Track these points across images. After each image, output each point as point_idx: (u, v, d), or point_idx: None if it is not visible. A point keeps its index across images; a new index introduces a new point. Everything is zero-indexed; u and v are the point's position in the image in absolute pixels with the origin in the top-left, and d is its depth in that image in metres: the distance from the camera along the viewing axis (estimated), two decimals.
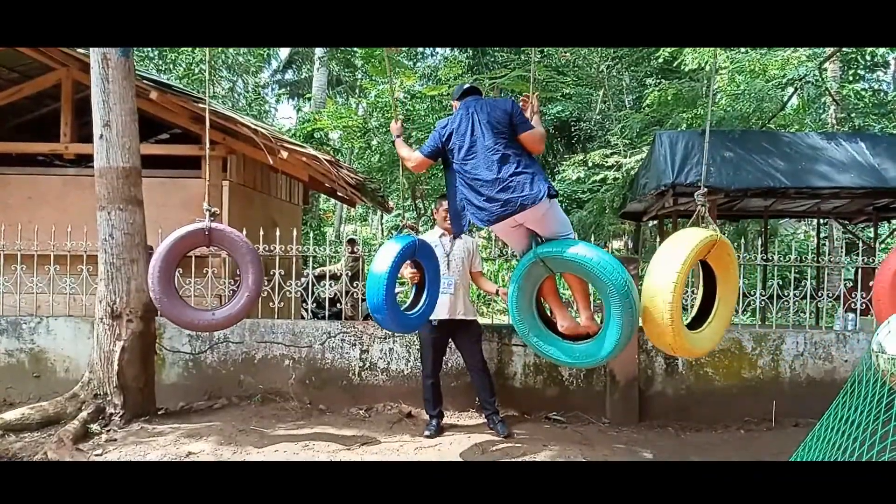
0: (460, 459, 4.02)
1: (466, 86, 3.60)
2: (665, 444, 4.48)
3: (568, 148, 14.78)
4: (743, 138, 6.47)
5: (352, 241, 8.22)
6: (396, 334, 5.20)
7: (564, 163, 11.81)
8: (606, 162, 10.36)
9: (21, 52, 5.80)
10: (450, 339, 4.64)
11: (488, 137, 3.21)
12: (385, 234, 18.87)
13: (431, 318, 4.30)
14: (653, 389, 5.05)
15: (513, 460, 3.97)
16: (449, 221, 4.24)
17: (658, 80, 11.00)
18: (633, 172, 9.25)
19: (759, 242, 10.35)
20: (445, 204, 4.50)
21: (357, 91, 19.13)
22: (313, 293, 5.71)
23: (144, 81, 5.34)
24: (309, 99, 18.21)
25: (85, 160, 6.43)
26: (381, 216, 20.32)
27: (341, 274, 6.79)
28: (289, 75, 23.26)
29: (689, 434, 4.77)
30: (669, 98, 9.00)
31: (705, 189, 3.27)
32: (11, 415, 4.44)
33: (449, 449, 4.21)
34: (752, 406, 5.00)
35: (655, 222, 8.88)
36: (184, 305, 4.00)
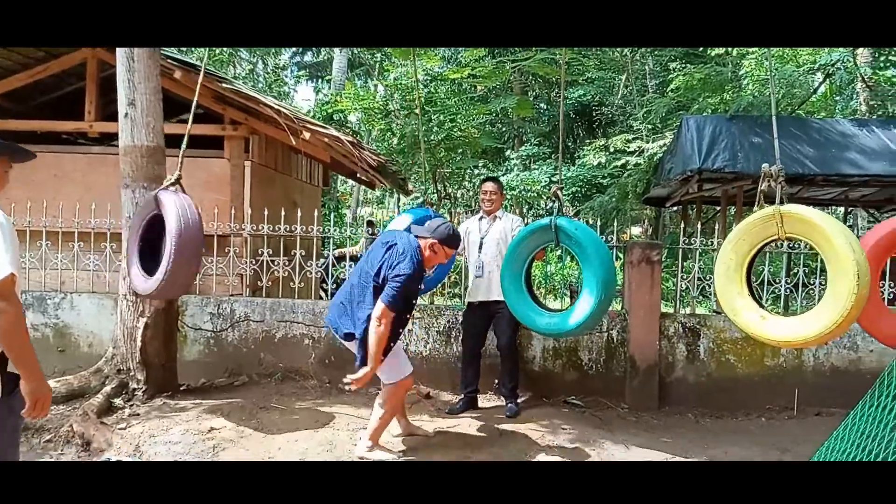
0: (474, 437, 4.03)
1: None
2: (684, 431, 4.46)
3: (589, 132, 14.64)
4: (771, 124, 6.33)
5: (371, 223, 8.23)
6: (416, 315, 5.21)
7: (585, 147, 11.69)
8: (628, 147, 10.23)
9: None
10: (489, 321, 4.62)
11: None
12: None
13: (469, 298, 4.63)
14: (673, 376, 5.01)
15: (511, 461, 3.90)
16: (487, 203, 4.41)
17: (683, 65, 10.80)
18: (655, 158, 9.12)
19: None
20: (486, 185, 4.72)
21: (376, 72, 19.06)
22: (333, 274, 5.73)
23: (169, 60, 5.35)
24: (328, 81, 18.18)
25: (109, 139, 6.48)
26: (399, 198, 20.30)
27: (360, 255, 6.79)
28: (308, 57, 23.23)
29: (709, 421, 4.74)
30: (696, 83, 8.83)
31: (780, 166, 3.07)
32: None
33: (466, 431, 4.22)
34: (774, 394, 4.94)
35: (679, 208, 8.77)
36: (137, 270, 4.09)
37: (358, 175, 7.08)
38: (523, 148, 13.42)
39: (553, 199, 4.03)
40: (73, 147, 6.45)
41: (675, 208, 9.17)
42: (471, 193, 12.99)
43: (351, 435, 4.08)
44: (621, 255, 5.68)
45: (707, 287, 5.28)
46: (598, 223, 5.42)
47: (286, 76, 20.19)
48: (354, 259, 7.23)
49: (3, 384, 2.10)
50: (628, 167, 10.15)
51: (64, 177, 5.96)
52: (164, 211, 3.91)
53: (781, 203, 2.99)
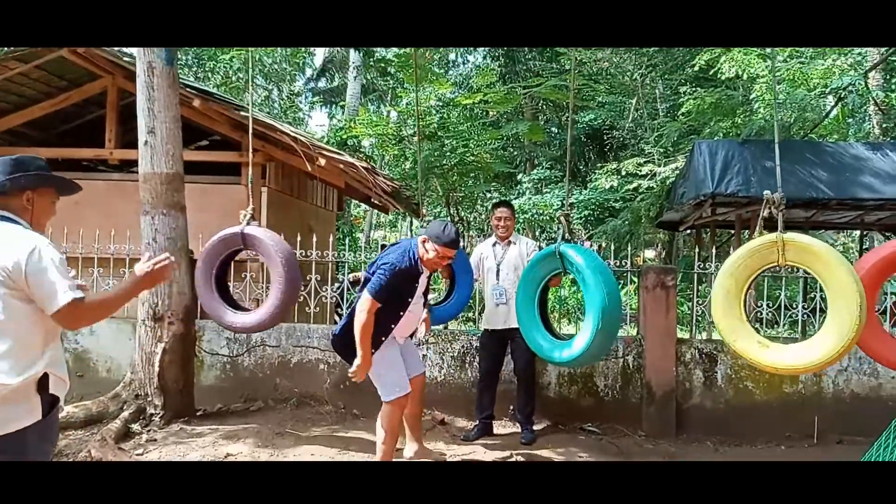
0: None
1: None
2: (703, 459, 4.40)
3: (600, 156, 14.69)
4: (784, 148, 6.30)
5: (384, 247, 8.27)
6: (430, 341, 5.21)
7: (597, 171, 11.73)
8: (640, 171, 10.25)
9: (69, 61, 6.00)
10: (507, 347, 4.61)
11: None
12: None
13: (487, 326, 4.63)
14: (690, 402, 4.96)
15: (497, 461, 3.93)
16: (501, 229, 4.43)
17: (693, 89, 10.86)
18: (668, 182, 9.14)
19: None
20: (499, 211, 4.68)
21: (389, 98, 19.33)
22: (348, 299, 5.76)
23: (187, 89, 5.47)
24: (342, 106, 18.43)
25: (128, 166, 6.61)
26: (411, 222, 20.40)
27: None
28: (322, 83, 23.59)
29: (727, 449, 4.67)
30: (707, 107, 8.87)
31: (782, 194, 3.11)
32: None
33: (482, 458, 4.19)
34: (794, 422, 4.86)
35: (692, 232, 8.76)
36: (222, 306, 4.11)
37: (372, 199, 7.15)
38: (535, 171, 13.49)
39: (560, 224, 3.98)
40: (93, 174, 6.58)
41: (688, 232, 9.15)
42: (483, 217, 13.03)
43: (367, 459, 4.07)
44: (636, 280, 5.67)
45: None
46: (612, 247, 5.42)
47: (300, 102, 20.48)
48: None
49: (42, 405, 2.11)
50: (640, 191, 10.17)
51: (84, 203, 6.02)
52: (261, 247, 4.03)
53: (783, 230, 3.02)
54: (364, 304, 3.35)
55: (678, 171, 8.59)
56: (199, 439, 4.32)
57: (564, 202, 4.58)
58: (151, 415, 4.54)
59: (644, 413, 4.90)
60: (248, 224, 4.11)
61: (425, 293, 3.83)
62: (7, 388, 2.04)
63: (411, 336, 3.91)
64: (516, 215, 11.55)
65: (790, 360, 3.01)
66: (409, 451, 3.99)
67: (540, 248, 4.41)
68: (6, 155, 2.28)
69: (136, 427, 4.45)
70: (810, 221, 8.15)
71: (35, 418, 2.09)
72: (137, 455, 4.10)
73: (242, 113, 5.50)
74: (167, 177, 4.67)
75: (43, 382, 2.11)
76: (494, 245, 4.66)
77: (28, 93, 6.21)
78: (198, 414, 4.86)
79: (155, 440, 4.34)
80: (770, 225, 3.09)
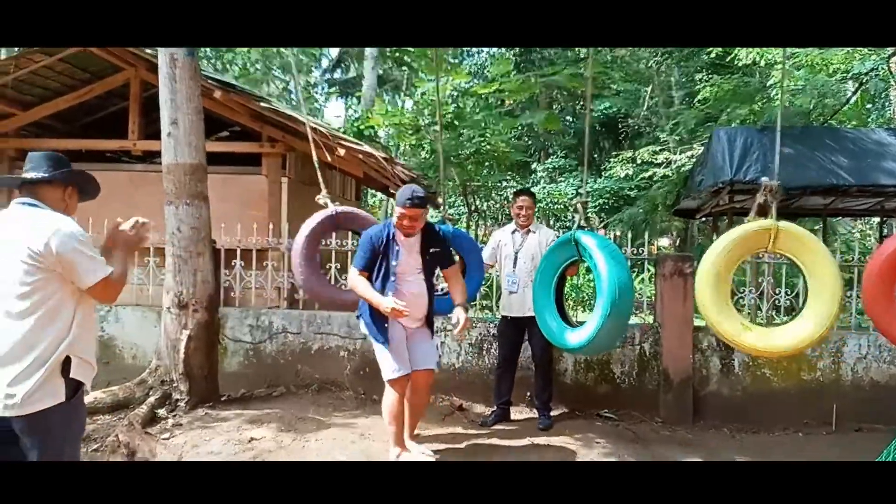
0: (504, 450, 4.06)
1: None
2: (720, 446, 4.42)
3: (615, 145, 14.62)
4: (804, 134, 6.31)
5: None
6: (448, 328, 5.27)
7: (612, 159, 11.69)
8: (656, 159, 10.20)
9: (92, 53, 6.09)
10: (524, 334, 4.65)
11: None
12: None
13: (503, 312, 4.68)
14: (707, 389, 4.98)
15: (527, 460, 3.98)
16: (522, 218, 4.43)
17: (709, 76, 10.76)
18: (683, 169, 9.09)
19: None
20: (520, 200, 4.69)
21: (404, 88, 19.32)
22: None
23: (209, 81, 5.54)
24: (358, 97, 18.47)
25: (151, 157, 6.70)
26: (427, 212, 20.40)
27: None
28: (337, 74, 23.62)
29: (744, 436, 4.69)
30: (724, 93, 8.79)
31: (776, 181, 3.26)
32: (85, 398, 4.68)
33: (499, 443, 4.25)
34: (812, 409, 4.87)
35: (709, 220, 8.72)
36: (330, 287, 4.44)
37: (390, 189, 7.20)
38: (549, 160, 13.48)
39: (576, 212, 4.05)
40: (117, 165, 6.69)
41: (704, 220, 9.11)
42: (497, 206, 13.04)
43: (386, 446, 4.15)
44: (651, 268, 5.68)
45: (741, 300, 5.26)
46: (630, 235, 5.44)
47: (316, 93, 20.55)
48: None
49: (66, 389, 2.18)
50: (655, 179, 10.12)
51: (108, 194, 6.09)
52: (356, 221, 4.42)
53: (776, 218, 3.16)
54: (350, 275, 3.67)
55: (695, 159, 8.54)
56: (224, 424, 4.42)
57: (581, 190, 4.58)
58: (177, 400, 4.65)
59: (661, 400, 4.94)
60: (331, 204, 4.32)
61: (427, 274, 3.71)
62: (33, 369, 2.12)
63: (429, 329, 3.82)
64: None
65: (769, 344, 3.20)
66: (392, 453, 3.81)
67: (558, 237, 4.43)
68: (33, 147, 2.39)
69: (162, 412, 4.56)
70: (829, 209, 8.08)
71: (58, 400, 2.16)
72: (164, 439, 4.20)
73: (262, 104, 5.57)
74: (190, 167, 4.75)
75: (66, 365, 2.18)
76: (514, 233, 4.68)
77: (52, 85, 6.32)
78: (222, 399, 4.96)
79: (180, 425, 4.44)
80: (763, 212, 3.21)
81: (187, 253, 4.75)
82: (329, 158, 5.56)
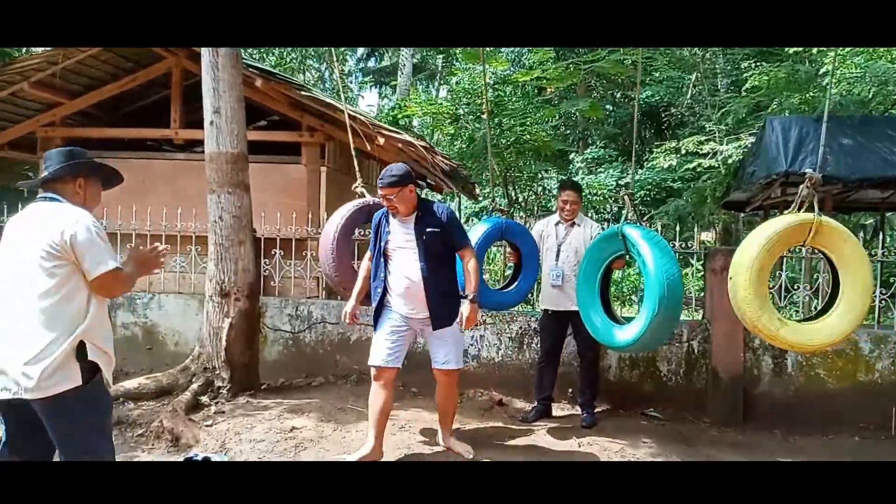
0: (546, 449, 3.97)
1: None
2: (772, 449, 4.26)
3: (657, 135, 14.25)
4: (863, 124, 6.00)
5: None
6: (487, 322, 5.19)
7: (654, 150, 11.37)
8: (701, 149, 9.88)
9: None
10: (566, 329, 4.53)
11: None
12: (464, 220, 18.89)
13: (544, 306, 4.55)
14: (759, 389, 4.80)
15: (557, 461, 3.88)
16: (566, 212, 4.30)
17: (757, 63, 10.34)
18: (730, 161, 8.79)
19: (873, 236, 9.62)
20: (565, 193, 4.52)
21: (439, 77, 19.20)
22: None
23: (250, 69, 5.52)
24: (393, 86, 18.42)
25: (192, 145, 6.75)
26: (460, 202, 20.34)
27: None
28: (371, 63, 23.61)
29: (797, 439, 4.51)
30: (776, 81, 8.43)
31: (819, 175, 3.21)
32: (130, 384, 4.75)
33: (542, 440, 4.16)
34: (869, 412, 4.65)
35: (759, 213, 8.41)
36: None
37: (427, 179, 7.12)
38: (588, 151, 13.21)
39: (623, 204, 3.95)
40: (159, 154, 6.75)
41: (754, 213, 8.79)
42: (533, 197, 12.84)
43: (426, 437, 4.10)
44: (692, 262, 5.48)
45: (795, 297, 5.05)
46: (677, 228, 5.27)
47: (350, 82, 20.59)
48: None
49: (82, 372, 2.25)
50: (699, 170, 9.81)
51: (151, 182, 6.24)
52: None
53: (819, 212, 3.10)
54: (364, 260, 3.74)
55: (745, 150, 8.23)
56: (265, 412, 4.43)
57: (630, 181, 4.44)
58: (219, 387, 4.68)
59: (709, 399, 4.77)
60: (367, 194, 4.24)
61: (428, 256, 3.45)
62: (49, 351, 2.19)
63: (447, 321, 3.54)
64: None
65: (803, 339, 3.15)
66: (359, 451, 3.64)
67: (603, 230, 4.29)
68: (79, 136, 2.48)
69: (204, 399, 4.59)
70: (887, 202, 7.71)
71: (74, 383, 2.22)
72: (206, 426, 4.23)
73: (303, 92, 5.54)
74: (232, 156, 4.75)
75: (81, 350, 2.25)
76: (557, 224, 4.54)
77: (97, 74, 6.38)
78: (262, 388, 4.98)
79: (223, 412, 4.47)
80: (805, 205, 3.15)
81: (229, 241, 4.76)
82: (368, 148, 5.50)
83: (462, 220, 18.55)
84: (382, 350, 3.54)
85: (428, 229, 3.43)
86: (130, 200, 5.97)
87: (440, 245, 3.45)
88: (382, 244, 3.53)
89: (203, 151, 4.88)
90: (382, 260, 3.55)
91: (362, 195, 4.31)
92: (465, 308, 3.46)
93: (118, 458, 3.76)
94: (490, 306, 4.56)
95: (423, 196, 3.63)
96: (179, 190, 6.06)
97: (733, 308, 3.21)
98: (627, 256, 3.88)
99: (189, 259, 5.63)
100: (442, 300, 3.48)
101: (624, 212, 3.79)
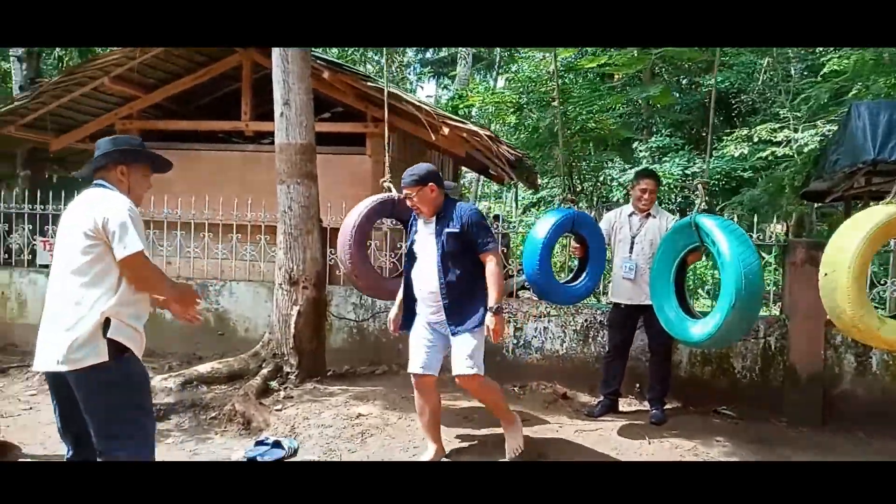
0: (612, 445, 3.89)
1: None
2: (854, 451, 4.04)
3: (726, 122, 13.68)
4: None
5: (497, 217, 8.21)
6: (552, 314, 5.12)
7: (724, 138, 10.92)
8: (775, 137, 9.42)
9: None
10: (638, 322, 4.42)
11: None
12: (520, 211, 18.72)
13: (614, 299, 4.44)
14: (840, 389, 4.56)
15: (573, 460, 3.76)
16: (643, 201, 4.26)
17: (835, 48, 9.76)
18: (807, 149, 8.34)
19: None
20: (644, 182, 4.37)
21: (498, 66, 19.04)
22: None
23: (317, 61, 5.60)
24: (452, 77, 18.39)
25: (260, 137, 6.92)
26: (517, 194, 20.15)
27: None
28: (429, 54, 23.62)
29: (882, 442, 4.26)
30: (864, 64, 7.91)
31: None
32: (203, 368, 4.92)
33: (610, 436, 4.07)
34: None
35: (840, 204, 7.96)
36: (372, 272, 4.25)
37: (490, 170, 7.07)
38: (653, 139, 12.80)
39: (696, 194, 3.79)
40: (229, 146, 6.95)
41: (831, 204, 8.32)
42: (596, 187, 12.56)
43: (490, 429, 4.08)
44: (764, 255, 5.24)
45: (881, 293, 4.76)
46: (756, 219, 5.04)
47: (409, 73, 20.70)
48: None
49: (109, 349, 2.30)
50: (770, 159, 9.36)
51: (222, 173, 6.44)
52: None
53: None
54: None
55: (822, 137, 7.80)
56: (332, 398, 4.52)
57: (704, 168, 4.26)
58: (287, 373, 4.79)
59: (786, 398, 4.57)
60: (394, 189, 4.10)
61: (446, 258, 3.28)
62: (77, 326, 2.27)
63: (463, 324, 3.32)
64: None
65: None
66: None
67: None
68: (154, 128, 2.54)
69: (273, 384, 4.72)
70: None
71: (100, 359, 2.29)
72: (276, 410, 4.35)
73: (369, 83, 5.58)
74: (301, 147, 4.83)
75: (106, 326, 2.30)
76: (631, 215, 4.40)
77: (171, 69, 6.61)
78: (328, 374, 5.08)
79: (291, 397, 4.58)
80: None
81: (297, 231, 4.85)
82: (433, 138, 5.50)
83: (519, 211, 18.37)
84: (417, 358, 3.47)
85: (447, 230, 3.27)
86: (203, 191, 6.19)
87: (459, 247, 3.26)
88: (409, 244, 3.51)
89: (271, 143, 4.99)
90: (409, 261, 3.50)
91: (388, 189, 4.17)
92: (489, 321, 3.20)
93: (194, 441, 3.96)
94: (556, 300, 4.49)
95: (452, 195, 3.50)
96: (249, 181, 6.23)
97: (826, 305, 3.00)
98: (701, 248, 3.72)
99: (259, 248, 5.78)
100: (457, 304, 3.28)
101: (697, 201, 3.63)
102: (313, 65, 5.35)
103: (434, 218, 3.34)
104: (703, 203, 3.64)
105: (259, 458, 3.66)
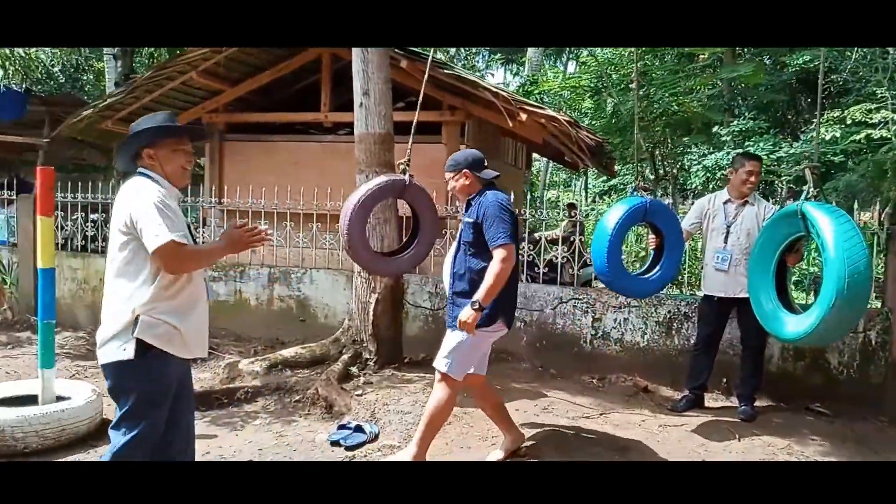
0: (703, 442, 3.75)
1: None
2: None
3: (814, 104, 12.88)
4: None
5: (572, 206, 8.07)
6: (633, 304, 5.00)
7: (813, 121, 10.30)
8: (871, 118, 8.79)
9: None
10: (728, 316, 4.26)
11: None
12: (590, 199, 18.34)
13: (706, 291, 4.27)
14: None
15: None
16: (749, 185, 4.08)
17: None
18: None
19: None
20: (750, 164, 4.14)
21: (567, 52, 18.65)
22: (545, 258, 5.70)
23: (395, 51, 5.64)
24: (521, 63, 18.14)
25: (338, 128, 7.06)
26: (586, 182, 19.73)
27: (570, 237, 6.68)
28: None
29: None
30: None
31: None
32: (287, 352, 5.11)
33: (695, 432, 3.94)
34: None
35: None
36: (367, 248, 4.10)
37: (565, 157, 6.94)
38: (735, 123, 12.21)
39: (804, 179, 3.47)
40: (308, 136, 7.12)
41: None
42: (677, 173, 12.09)
43: (571, 421, 4.04)
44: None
45: None
46: (854, 205, 4.72)
47: (478, 61, 20.58)
48: (554, 242, 7.15)
49: (136, 347, 2.28)
50: (863, 141, 8.74)
51: (301, 164, 6.61)
52: (419, 197, 4.14)
53: None
54: None
55: None
56: (410, 385, 4.58)
57: (813, 151, 3.98)
58: (367, 359, 4.90)
59: (888, 396, 4.29)
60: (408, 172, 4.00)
61: (466, 245, 3.19)
62: (109, 323, 2.31)
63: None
64: (716, 173, 10.55)
65: None
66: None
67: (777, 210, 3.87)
68: (238, 121, 2.53)
69: (353, 370, 4.83)
70: None
71: (125, 356, 2.27)
72: (357, 395, 4.45)
73: (446, 71, 5.58)
74: (380, 136, 4.89)
75: (135, 324, 2.27)
76: (726, 203, 4.19)
77: (254, 62, 6.81)
78: (405, 361, 5.15)
79: (371, 383, 4.68)
80: None
81: (376, 220, 4.92)
82: (510, 124, 5.44)
83: (589, 200, 17.84)
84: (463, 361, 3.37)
85: (466, 219, 3.18)
86: (284, 181, 6.38)
87: (474, 238, 3.12)
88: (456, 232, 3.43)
89: (347, 133, 5.06)
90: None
91: (403, 172, 4.02)
92: (464, 312, 3.00)
93: (280, 423, 4.10)
94: (626, 293, 4.31)
95: (491, 182, 3.28)
96: (327, 171, 6.36)
97: None
98: (807, 238, 3.47)
99: (338, 237, 5.90)
100: (459, 297, 3.17)
101: (805, 188, 3.34)
102: (391, 54, 5.39)
103: (465, 204, 3.30)
104: (812, 190, 3.34)
105: (343, 442, 3.75)
